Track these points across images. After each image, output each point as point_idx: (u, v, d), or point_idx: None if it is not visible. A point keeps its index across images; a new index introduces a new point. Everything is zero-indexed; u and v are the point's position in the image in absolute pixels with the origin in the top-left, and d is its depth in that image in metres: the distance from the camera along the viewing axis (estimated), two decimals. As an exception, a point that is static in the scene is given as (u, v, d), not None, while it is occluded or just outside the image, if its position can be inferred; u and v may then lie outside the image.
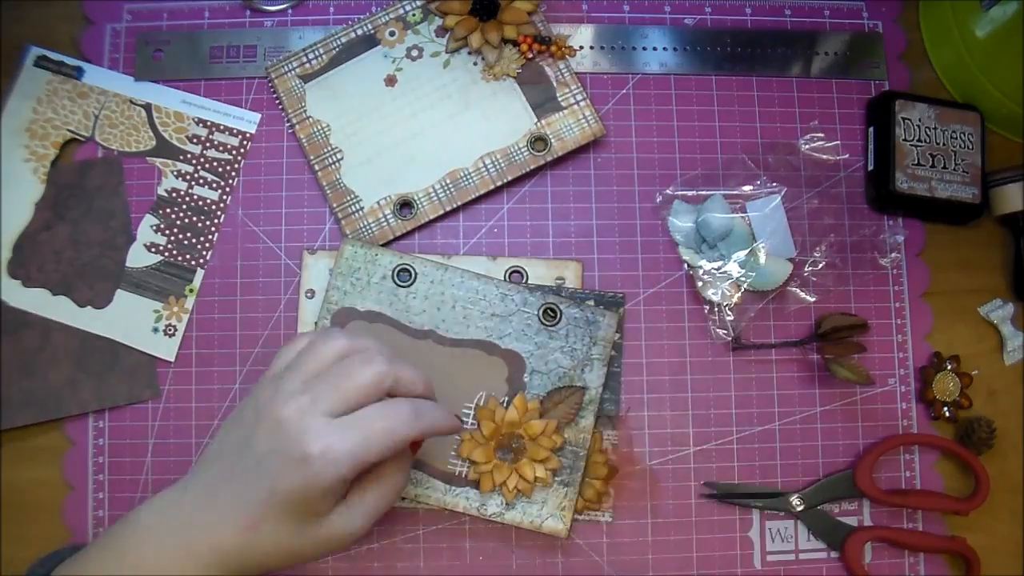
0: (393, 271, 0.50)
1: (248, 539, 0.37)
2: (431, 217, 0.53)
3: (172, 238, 0.52)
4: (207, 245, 0.53)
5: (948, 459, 0.55)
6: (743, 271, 0.53)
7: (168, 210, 0.53)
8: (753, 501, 0.52)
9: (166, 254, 0.52)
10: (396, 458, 0.39)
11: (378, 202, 0.53)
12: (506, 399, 0.49)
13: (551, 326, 0.50)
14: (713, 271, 0.53)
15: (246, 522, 0.37)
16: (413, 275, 0.50)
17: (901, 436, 0.54)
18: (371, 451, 0.36)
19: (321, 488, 0.36)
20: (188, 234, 0.52)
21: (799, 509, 0.52)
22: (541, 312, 0.50)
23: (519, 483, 0.48)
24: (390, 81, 0.54)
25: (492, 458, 0.48)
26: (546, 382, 0.50)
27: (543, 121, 0.54)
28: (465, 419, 0.49)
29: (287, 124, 0.54)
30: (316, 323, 0.49)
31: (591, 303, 0.51)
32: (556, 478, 0.49)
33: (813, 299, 0.54)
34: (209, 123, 0.54)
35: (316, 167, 0.53)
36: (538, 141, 0.53)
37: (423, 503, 0.49)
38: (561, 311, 0.50)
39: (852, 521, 0.53)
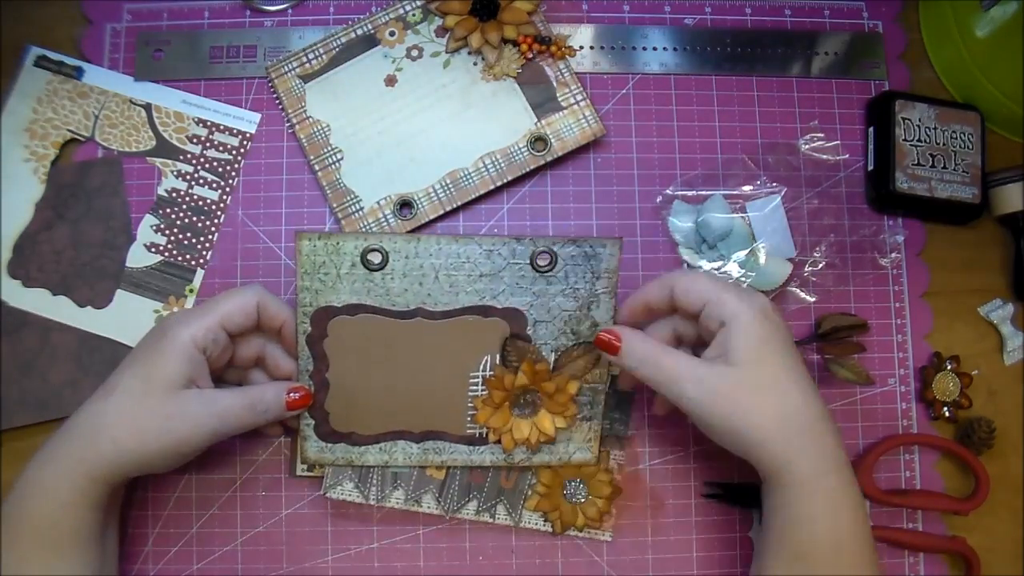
0: (362, 256, 0.46)
1: (100, 407, 0.42)
2: (431, 217, 0.53)
3: (172, 238, 0.52)
4: (207, 245, 0.53)
5: (948, 459, 0.55)
6: (743, 271, 0.53)
7: (168, 210, 0.53)
8: (753, 501, 0.52)
9: (166, 254, 0.52)
10: (263, 388, 0.46)
11: (378, 202, 0.53)
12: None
13: (547, 271, 0.47)
14: (713, 271, 0.53)
15: (104, 390, 0.43)
16: (384, 256, 0.46)
17: (901, 436, 0.54)
18: (217, 313, 0.43)
19: (174, 349, 0.42)
20: (188, 234, 0.52)
21: None
22: (534, 259, 0.46)
23: (540, 437, 0.48)
24: (390, 81, 0.54)
25: (509, 419, 0.48)
26: (552, 330, 0.48)
27: (543, 121, 0.54)
28: (474, 389, 0.48)
29: (287, 124, 0.54)
30: (296, 329, 0.47)
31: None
32: (578, 415, 0.48)
33: (813, 299, 0.54)
34: (209, 123, 0.54)
35: (316, 167, 0.53)
36: (538, 141, 0.53)
37: (451, 465, 0.49)
38: (556, 253, 0.46)
39: None
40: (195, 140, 0.53)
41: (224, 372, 0.48)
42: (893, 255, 0.55)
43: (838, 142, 0.56)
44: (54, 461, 0.42)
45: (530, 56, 0.54)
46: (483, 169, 0.53)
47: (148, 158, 0.53)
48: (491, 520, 0.50)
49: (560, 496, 0.50)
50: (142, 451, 0.42)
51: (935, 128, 0.55)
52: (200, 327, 0.43)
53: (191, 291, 0.52)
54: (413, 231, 0.53)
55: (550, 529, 0.50)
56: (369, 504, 0.49)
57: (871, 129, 0.56)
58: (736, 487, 0.52)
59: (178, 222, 0.53)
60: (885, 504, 0.53)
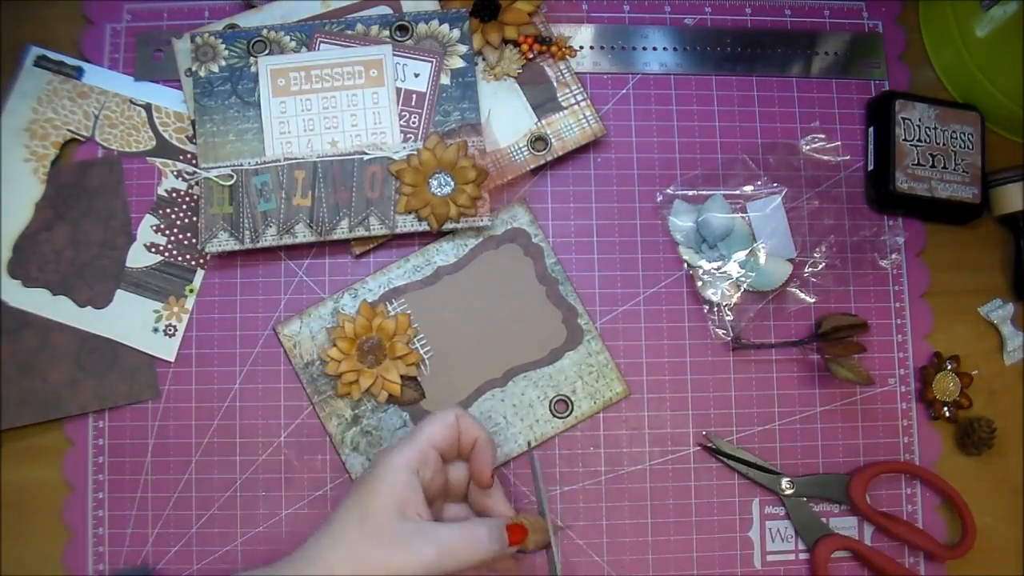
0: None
1: (320, 542, 0.41)
2: (431, 217, 0.53)
3: (172, 238, 0.52)
4: (207, 245, 0.53)
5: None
6: (743, 271, 0.53)
7: (168, 210, 0.53)
8: (748, 469, 0.52)
9: (166, 254, 0.52)
10: (486, 523, 0.43)
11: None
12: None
13: None
14: (713, 271, 0.53)
15: (323, 526, 0.41)
16: None
17: (903, 464, 0.54)
18: (423, 434, 0.43)
19: (388, 473, 0.41)
20: (188, 234, 0.52)
21: (787, 493, 0.52)
22: None
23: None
24: (390, 81, 0.54)
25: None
26: None
27: (543, 121, 0.54)
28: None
29: (287, 124, 0.54)
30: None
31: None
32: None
33: (813, 299, 0.54)
34: (209, 123, 0.54)
35: (316, 166, 0.53)
36: (538, 141, 0.53)
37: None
38: None
39: (838, 522, 0.53)
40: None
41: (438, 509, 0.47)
42: (893, 256, 0.55)
43: (839, 143, 0.56)
44: None
45: (531, 56, 0.54)
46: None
47: (148, 158, 0.53)
48: (367, 233, 0.51)
49: (427, 192, 0.50)
50: None
51: (935, 128, 0.55)
52: (411, 448, 0.42)
53: (191, 291, 0.52)
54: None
55: (427, 227, 0.51)
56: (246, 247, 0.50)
57: (871, 129, 0.56)
58: (735, 450, 0.53)
59: (178, 222, 0.53)
60: (870, 520, 0.53)
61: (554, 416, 0.52)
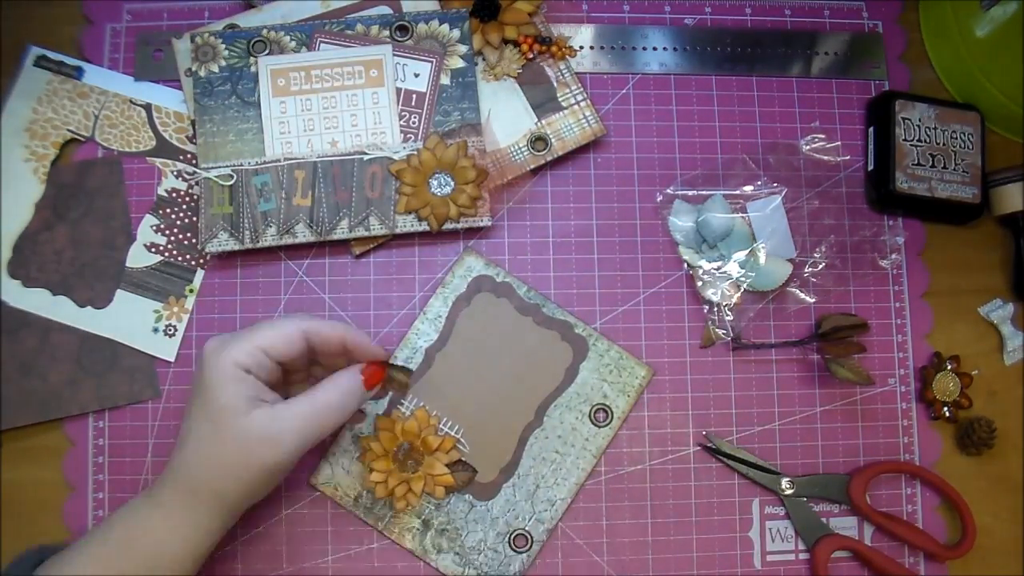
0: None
1: (185, 458, 0.41)
2: (431, 217, 0.53)
3: (172, 238, 0.52)
4: (207, 245, 0.53)
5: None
6: (743, 271, 0.53)
7: (168, 210, 0.53)
8: (748, 469, 0.52)
9: (166, 254, 0.52)
10: (335, 381, 0.43)
11: (378, 202, 0.53)
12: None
13: None
14: (713, 271, 0.53)
15: (180, 439, 0.42)
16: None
17: (903, 464, 0.54)
18: (255, 339, 0.41)
19: (220, 376, 0.40)
20: (188, 234, 0.52)
21: (787, 493, 0.52)
22: None
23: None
24: (390, 81, 0.54)
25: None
26: None
27: (543, 121, 0.54)
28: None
29: (287, 124, 0.54)
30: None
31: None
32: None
33: (813, 299, 0.54)
34: (209, 123, 0.54)
35: (316, 166, 0.53)
36: (538, 141, 0.53)
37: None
38: None
39: (838, 522, 0.53)
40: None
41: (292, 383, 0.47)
42: (893, 256, 0.55)
43: (839, 143, 0.56)
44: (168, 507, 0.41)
45: (531, 56, 0.54)
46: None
47: (148, 158, 0.53)
48: (367, 233, 0.50)
49: (427, 192, 0.50)
50: (243, 488, 0.41)
51: (935, 128, 0.55)
52: (239, 350, 0.41)
53: (191, 291, 0.52)
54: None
55: (427, 228, 0.50)
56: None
57: (871, 129, 0.56)
58: (735, 449, 0.53)
59: (178, 222, 0.53)
60: (871, 521, 0.53)
61: (599, 427, 0.51)
